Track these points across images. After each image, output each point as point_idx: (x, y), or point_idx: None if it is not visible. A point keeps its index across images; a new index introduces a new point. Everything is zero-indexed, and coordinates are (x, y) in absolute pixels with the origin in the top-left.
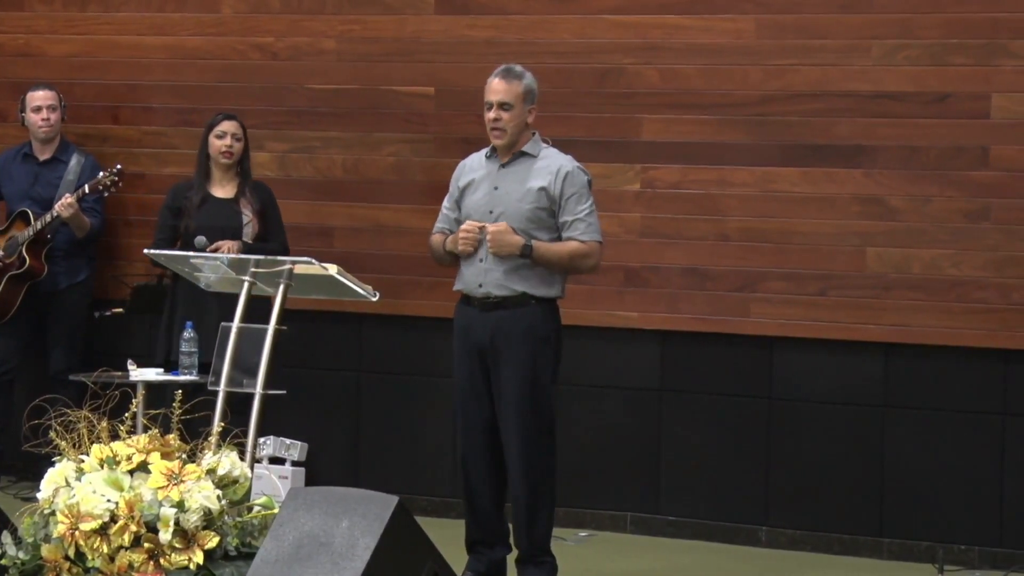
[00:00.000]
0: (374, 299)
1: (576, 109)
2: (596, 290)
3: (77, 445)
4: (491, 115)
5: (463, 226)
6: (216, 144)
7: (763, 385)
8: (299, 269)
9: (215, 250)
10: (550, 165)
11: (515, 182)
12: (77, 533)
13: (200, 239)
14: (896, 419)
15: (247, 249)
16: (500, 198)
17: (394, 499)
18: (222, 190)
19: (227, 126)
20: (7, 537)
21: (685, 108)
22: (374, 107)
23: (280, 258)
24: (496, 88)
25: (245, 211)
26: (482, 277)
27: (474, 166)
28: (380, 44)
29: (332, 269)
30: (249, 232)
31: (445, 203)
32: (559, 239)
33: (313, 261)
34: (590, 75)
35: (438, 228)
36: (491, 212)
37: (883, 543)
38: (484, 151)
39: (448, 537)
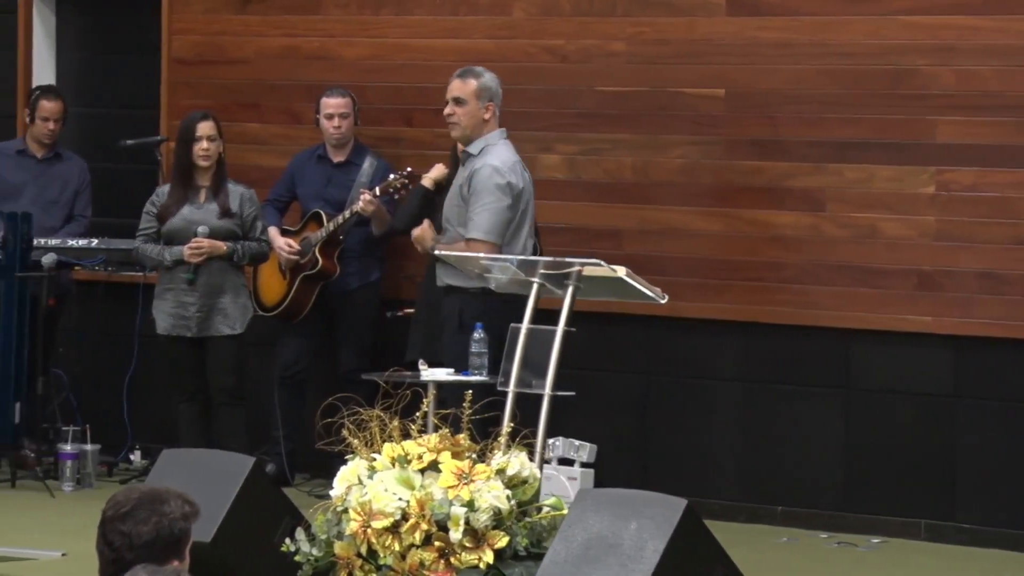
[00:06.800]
0: (662, 301)
1: (868, 111)
2: (888, 294)
3: (369, 444)
4: (446, 111)
5: None
6: None
7: None
8: (587, 271)
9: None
10: (473, 166)
11: (456, 182)
12: (369, 531)
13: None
14: None
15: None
16: (448, 197)
17: (683, 502)
18: None
19: None
20: (301, 534)
21: (981, 110)
22: (663, 109)
23: (568, 259)
24: (452, 86)
25: None
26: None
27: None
28: (670, 46)
29: (621, 271)
30: None
31: None
32: None
33: (601, 263)
34: (883, 76)
35: None
36: (443, 209)
37: None
38: None
39: (736, 541)
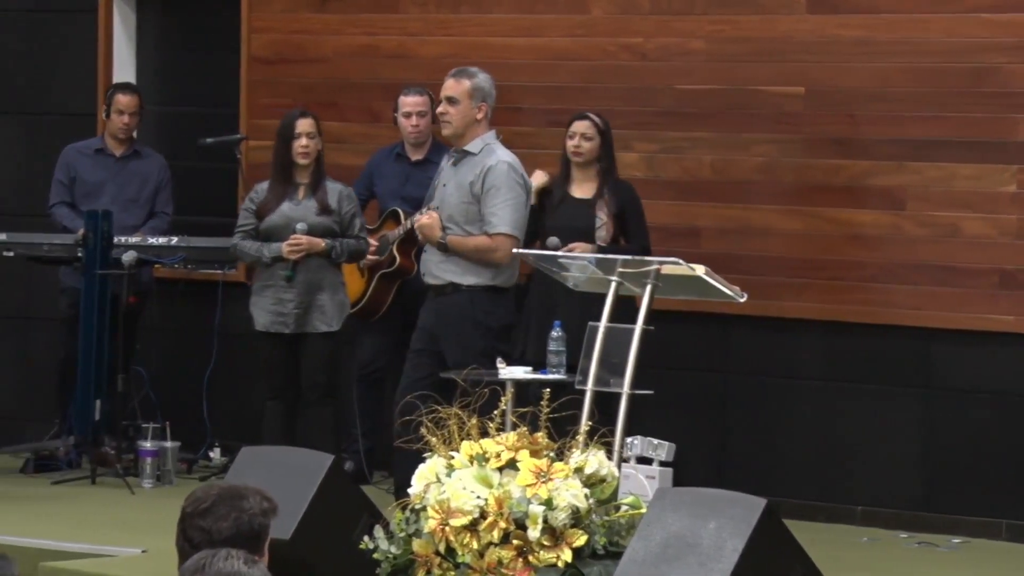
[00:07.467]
0: (741, 300)
1: (948, 109)
2: (969, 292)
3: (447, 442)
4: (439, 109)
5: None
6: (569, 144)
7: None
8: (666, 269)
9: (568, 251)
10: (481, 162)
11: (456, 180)
12: (447, 529)
13: (553, 240)
14: None
15: (601, 252)
16: (445, 195)
17: (762, 501)
18: (580, 190)
19: (578, 126)
20: (379, 532)
21: None
22: (742, 107)
23: (647, 258)
24: (446, 85)
25: (600, 213)
26: (424, 266)
27: (444, 165)
28: (749, 44)
29: (699, 270)
30: (603, 235)
31: None
32: None
33: (680, 262)
34: (963, 74)
35: None
36: (439, 208)
37: None
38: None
39: (816, 540)
